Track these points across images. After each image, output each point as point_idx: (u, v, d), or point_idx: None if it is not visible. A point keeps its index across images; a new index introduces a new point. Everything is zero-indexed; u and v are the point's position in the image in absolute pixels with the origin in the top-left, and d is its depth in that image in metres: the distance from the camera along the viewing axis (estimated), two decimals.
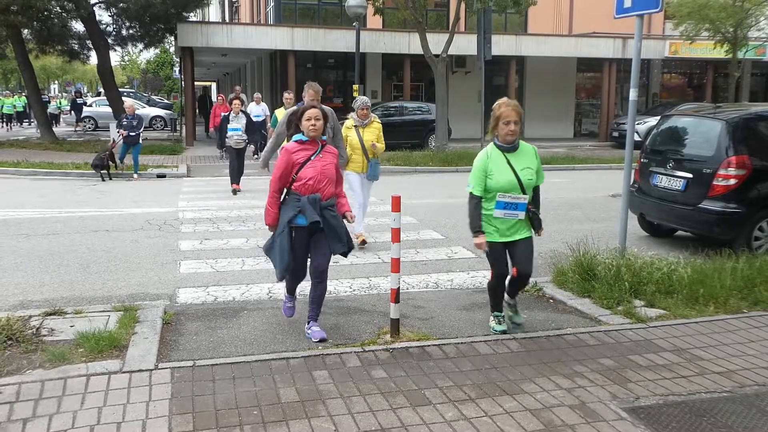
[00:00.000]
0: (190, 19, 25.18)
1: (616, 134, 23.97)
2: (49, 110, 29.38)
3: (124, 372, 4.27)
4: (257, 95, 19.04)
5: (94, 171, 14.45)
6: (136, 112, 15.79)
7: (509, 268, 5.06)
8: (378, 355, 4.61)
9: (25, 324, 5.03)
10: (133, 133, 14.81)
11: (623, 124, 22.79)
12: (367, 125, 8.10)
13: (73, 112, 30.93)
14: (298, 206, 4.80)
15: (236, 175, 12.66)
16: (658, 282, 5.96)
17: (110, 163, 14.60)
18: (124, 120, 15.06)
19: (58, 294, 6.22)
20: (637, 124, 16.24)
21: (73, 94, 35.17)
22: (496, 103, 4.93)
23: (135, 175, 14.86)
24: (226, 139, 12.85)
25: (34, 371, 4.28)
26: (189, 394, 3.99)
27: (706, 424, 3.69)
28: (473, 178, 4.91)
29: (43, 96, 30.62)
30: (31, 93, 24.15)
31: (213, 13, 51.65)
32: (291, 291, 5.37)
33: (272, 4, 27.76)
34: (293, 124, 5.04)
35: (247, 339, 5.07)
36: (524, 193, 4.86)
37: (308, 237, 4.92)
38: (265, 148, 7.69)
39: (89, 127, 30.02)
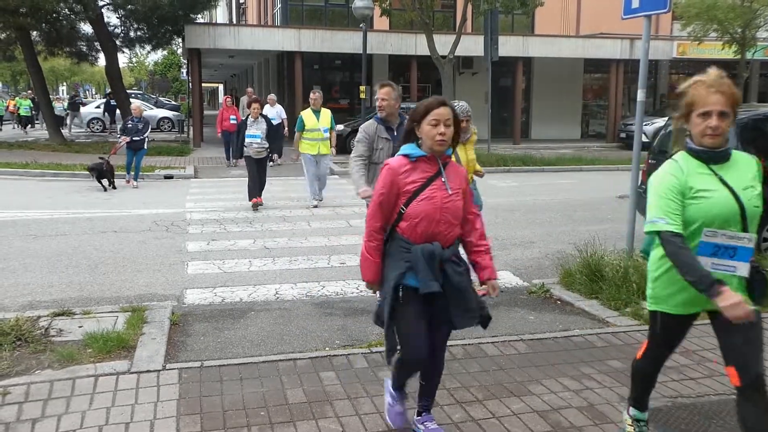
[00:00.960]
0: (198, 21, 25.23)
1: (623, 135, 23.90)
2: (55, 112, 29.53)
3: (132, 372, 4.29)
4: (272, 97, 17.57)
5: (89, 174, 13.01)
6: (144, 114, 14.64)
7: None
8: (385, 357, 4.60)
9: (34, 324, 5.06)
10: (138, 138, 13.41)
11: (631, 125, 22.70)
12: (468, 141, 5.90)
13: (70, 113, 31.01)
14: (408, 261, 3.21)
15: (257, 188, 10.99)
16: None
17: (107, 171, 12.99)
18: (129, 123, 13.78)
19: (67, 294, 6.25)
20: (645, 125, 16.19)
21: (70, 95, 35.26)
22: (690, 80, 2.95)
23: (134, 183, 13.53)
24: (245, 148, 11.13)
25: (43, 371, 4.30)
26: (197, 394, 4.00)
27: (716, 427, 3.67)
28: (660, 207, 2.89)
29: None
30: (39, 95, 24.25)
31: (220, 14, 51.80)
32: (399, 386, 3.56)
33: (279, 5, 27.81)
34: (410, 129, 3.30)
35: (255, 340, 5.08)
36: (746, 229, 2.90)
37: (425, 303, 3.26)
38: (354, 170, 5.59)
39: (97, 129, 30.11)
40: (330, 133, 11.19)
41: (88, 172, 13.02)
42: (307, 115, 11.10)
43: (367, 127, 5.66)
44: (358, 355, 4.62)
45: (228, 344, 4.98)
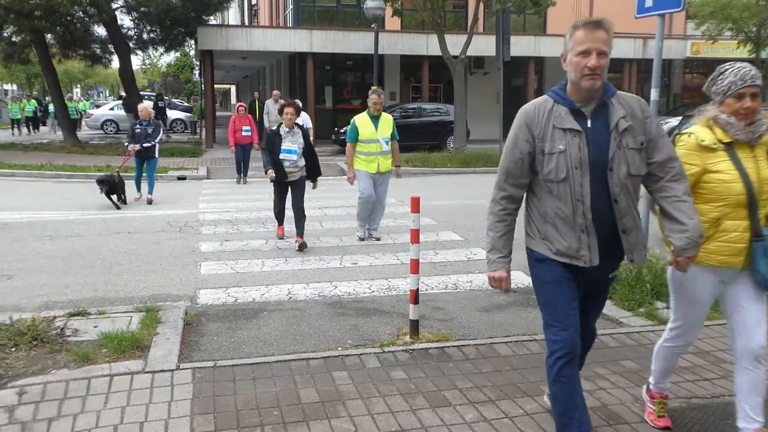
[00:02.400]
0: (210, 23, 25.37)
1: None
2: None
3: (146, 372, 4.32)
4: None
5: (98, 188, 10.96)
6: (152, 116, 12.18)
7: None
8: (397, 356, 4.61)
9: (49, 324, 5.11)
10: (147, 144, 11.49)
11: None
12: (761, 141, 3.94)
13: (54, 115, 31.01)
14: None
15: (283, 215, 8.76)
16: None
17: (119, 185, 11.30)
18: (137, 127, 11.66)
19: (82, 295, 6.30)
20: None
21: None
22: None
23: (148, 195, 11.73)
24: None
25: (58, 371, 4.33)
26: (210, 394, 4.02)
27: (730, 428, 3.64)
28: None
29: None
30: (54, 97, 24.49)
31: (232, 16, 52.04)
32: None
33: (291, 6, 27.89)
34: None
35: (267, 340, 5.10)
36: None
37: None
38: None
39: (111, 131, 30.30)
40: (392, 145, 8.67)
41: (98, 186, 10.98)
42: (362, 121, 8.54)
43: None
44: (371, 355, 4.63)
45: (241, 344, 5.00)
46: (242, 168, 14.87)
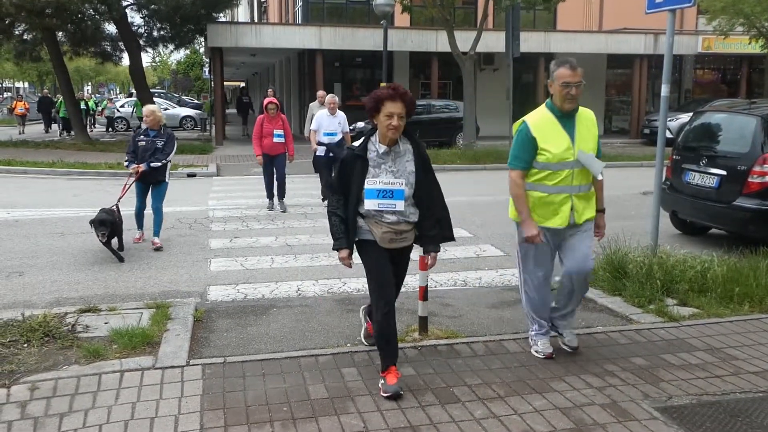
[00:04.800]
0: (220, 20, 25.43)
1: (647, 131, 23.63)
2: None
3: (156, 368, 4.34)
4: (332, 98, 11.08)
5: (94, 231, 7.50)
6: (164, 119, 8.53)
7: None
8: (406, 353, 4.61)
9: (61, 321, 5.15)
10: (156, 164, 7.97)
11: (654, 120, 22.45)
12: None
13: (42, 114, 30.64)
14: None
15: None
16: (691, 280, 5.87)
17: (119, 225, 7.77)
18: (141, 139, 8.02)
19: (93, 291, 6.34)
20: (669, 120, 15.95)
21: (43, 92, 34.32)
22: None
23: (155, 240, 8.13)
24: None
25: (70, 367, 4.37)
26: (220, 390, 4.04)
27: (741, 425, 3.63)
28: None
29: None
30: (65, 95, 24.62)
31: (242, 13, 52.11)
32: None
33: (300, 3, 27.92)
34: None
35: (277, 336, 5.12)
36: None
37: None
38: None
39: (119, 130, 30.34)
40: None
41: (93, 230, 7.50)
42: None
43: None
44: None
45: (250, 340, 5.02)
46: (273, 188, 10.81)
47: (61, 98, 28.07)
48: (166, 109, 30.87)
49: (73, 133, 25.18)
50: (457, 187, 13.75)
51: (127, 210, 8.16)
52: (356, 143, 4.08)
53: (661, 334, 5.03)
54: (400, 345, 4.74)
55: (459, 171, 16.63)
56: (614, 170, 16.95)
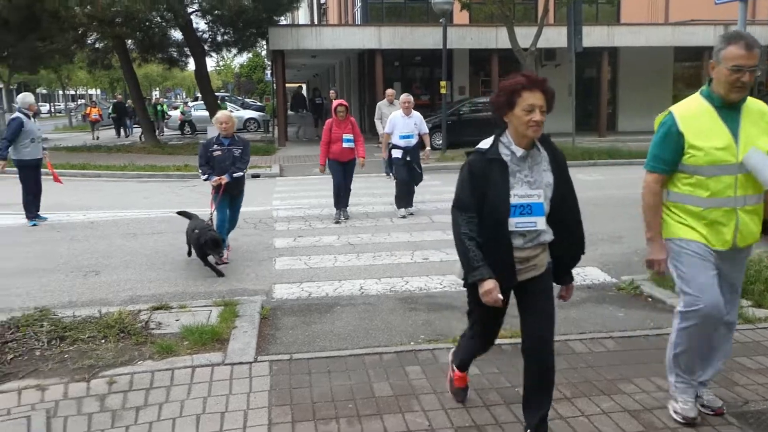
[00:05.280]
0: (281, 23, 25.85)
1: None
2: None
3: (226, 364, 4.47)
4: (406, 97, 10.37)
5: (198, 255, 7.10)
6: (233, 122, 7.73)
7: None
8: None
9: (135, 318, 5.36)
10: (238, 174, 7.50)
11: None
12: None
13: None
14: None
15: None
16: (767, 281, 5.64)
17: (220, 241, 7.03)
18: (215, 148, 7.42)
19: (164, 289, 6.56)
20: None
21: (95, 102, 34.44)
22: None
23: (226, 253, 7.48)
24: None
25: (144, 362, 4.54)
26: (287, 386, 4.12)
27: None
28: None
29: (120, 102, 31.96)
30: (135, 100, 25.52)
31: (302, 15, 52.84)
32: None
33: (359, 4, 28.09)
34: None
35: (341, 334, 5.18)
36: None
37: None
38: None
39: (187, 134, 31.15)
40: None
41: (199, 255, 7.07)
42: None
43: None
44: (443, 350, 4.62)
45: (315, 338, 5.10)
46: (342, 197, 9.91)
47: (153, 102, 29.11)
48: (231, 112, 31.62)
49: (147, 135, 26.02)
50: None
51: (151, 211, 8.39)
52: (483, 144, 3.34)
53: (735, 336, 4.82)
54: None
55: None
56: None
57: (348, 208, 10.15)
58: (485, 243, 3.18)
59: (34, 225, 9.92)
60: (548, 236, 3.28)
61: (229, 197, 7.65)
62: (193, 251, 7.36)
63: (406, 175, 9.99)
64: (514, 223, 3.16)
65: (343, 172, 9.79)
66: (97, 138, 29.13)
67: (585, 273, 6.85)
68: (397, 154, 10.05)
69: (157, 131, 28.46)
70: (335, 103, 9.94)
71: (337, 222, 9.71)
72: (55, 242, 8.76)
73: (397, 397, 3.94)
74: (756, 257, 6.01)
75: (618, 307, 5.73)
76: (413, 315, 5.61)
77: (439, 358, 4.51)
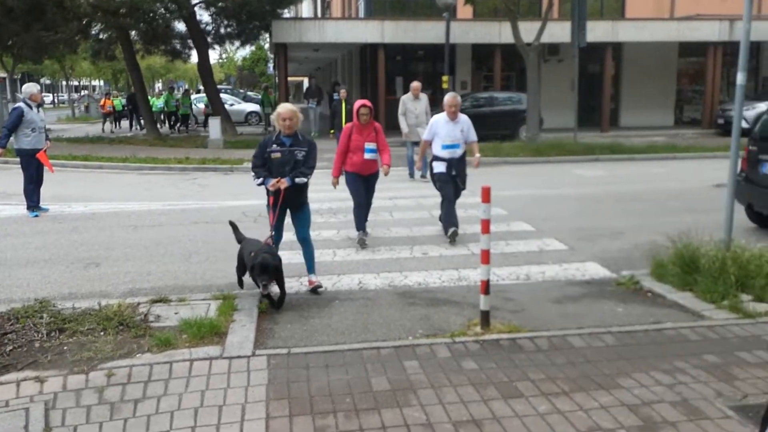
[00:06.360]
0: (284, 16, 25.81)
1: (721, 121, 22.69)
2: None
3: (224, 358, 4.47)
4: (452, 98, 8.12)
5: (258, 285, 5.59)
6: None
7: None
8: (468, 347, 4.60)
9: (134, 311, 5.36)
10: (301, 179, 6.07)
11: (729, 110, 21.54)
12: None
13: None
14: None
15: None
16: None
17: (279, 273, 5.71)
18: (274, 148, 6.05)
19: (163, 282, 6.56)
20: (745, 110, 15.28)
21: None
22: None
23: (312, 278, 6.33)
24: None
25: (143, 355, 4.54)
26: (284, 380, 4.12)
27: None
28: None
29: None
30: (138, 92, 25.53)
31: (306, 8, 52.75)
32: None
33: None
34: None
35: (339, 328, 5.18)
36: None
37: None
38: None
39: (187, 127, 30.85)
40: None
41: (257, 283, 5.57)
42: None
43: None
44: (441, 345, 4.63)
45: (313, 332, 5.10)
46: (363, 216, 8.09)
47: (179, 95, 28.84)
48: (231, 105, 31.46)
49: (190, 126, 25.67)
50: (520, 180, 13.57)
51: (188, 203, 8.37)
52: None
53: (735, 330, 4.84)
54: (461, 339, 4.74)
55: (522, 164, 16.39)
56: (685, 162, 16.39)
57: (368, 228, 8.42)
58: None
59: (36, 216, 9.92)
60: None
61: (288, 211, 6.32)
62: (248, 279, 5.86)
63: (454, 191, 8.13)
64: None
65: (365, 188, 7.97)
66: (112, 131, 28.66)
67: (584, 268, 6.84)
68: (440, 167, 8.06)
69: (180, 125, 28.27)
70: (357, 103, 7.88)
71: (362, 245, 7.88)
72: (57, 233, 8.76)
73: (395, 392, 3.94)
74: (757, 252, 5.98)
75: (617, 302, 5.72)
76: (412, 310, 5.61)
77: (437, 353, 4.50)
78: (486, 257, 4.93)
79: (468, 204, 10.36)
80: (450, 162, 8.02)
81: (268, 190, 6.09)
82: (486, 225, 4.91)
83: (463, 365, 4.29)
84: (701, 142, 20.10)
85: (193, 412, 3.72)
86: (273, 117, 6.29)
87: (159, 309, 5.46)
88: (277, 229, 6.29)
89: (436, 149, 8.09)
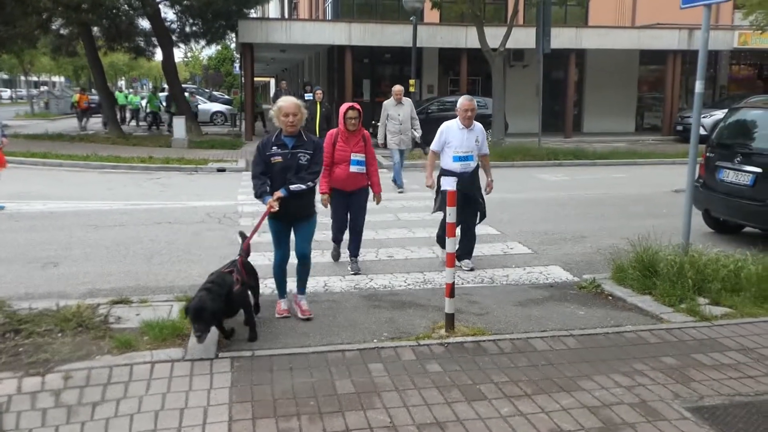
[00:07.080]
0: (251, 16, 25.62)
1: (680, 128, 23.23)
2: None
3: (186, 360, 4.40)
4: (468, 102, 6.94)
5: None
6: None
7: None
8: (433, 349, 4.62)
9: (94, 312, 5.25)
10: (300, 187, 5.23)
11: (688, 117, 22.05)
12: None
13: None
14: None
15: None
16: (724, 279, 5.77)
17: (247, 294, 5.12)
18: (276, 150, 5.34)
19: (124, 283, 6.45)
20: (703, 117, 15.65)
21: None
22: None
23: (301, 303, 5.59)
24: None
25: (102, 357, 4.45)
26: (248, 383, 4.08)
27: None
28: None
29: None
30: (100, 89, 25.04)
31: (273, 9, 52.39)
32: None
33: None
34: None
35: (304, 330, 5.15)
36: None
37: None
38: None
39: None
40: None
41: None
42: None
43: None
44: (406, 348, 4.64)
45: (278, 334, 5.06)
46: (345, 231, 7.19)
47: (149, 93, 28.36)
48: (197, 105, 31.13)
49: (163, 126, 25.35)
50: (484, 184, 13.66)
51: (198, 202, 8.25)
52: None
53: (693, 333, 4.96)
54: (426, 342, 4.75)
55: None
56: (645, 168, 16.73)
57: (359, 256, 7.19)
58: None
59: None
60: None
61: (290, 225, 5.50)
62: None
63: (472, 211, 7.03)
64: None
65: (345, 206, 6.95)
66: (83, 128, 27.98)
67: (547, 272, 6.93)
68: (448, 184, 6.71)
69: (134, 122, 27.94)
70: (344, 107, 6.80)
71: (335, 259, 7.27)
72: (13, 232, 8.54)
73: (360, 395, 3.93)
74: (713, 256, 6.14)
75: (579, 305, 5.80)
76: (377, 312, 5.60)
77: (402, 355, 4.51)
78: (451, 260, 4.96)
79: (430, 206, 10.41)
80: (461, 176, 6.85)
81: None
82: (451, 228, 4.93)
83: (427, 368, 4.30)
84: (661, 149, 20.55)
85: (154, 415, 3.66)
86: (272, 113, 5.35)
87: (120, 310, 5.36)
88: (280, 248, 5.56)
89: (446, 161, 6.90)
